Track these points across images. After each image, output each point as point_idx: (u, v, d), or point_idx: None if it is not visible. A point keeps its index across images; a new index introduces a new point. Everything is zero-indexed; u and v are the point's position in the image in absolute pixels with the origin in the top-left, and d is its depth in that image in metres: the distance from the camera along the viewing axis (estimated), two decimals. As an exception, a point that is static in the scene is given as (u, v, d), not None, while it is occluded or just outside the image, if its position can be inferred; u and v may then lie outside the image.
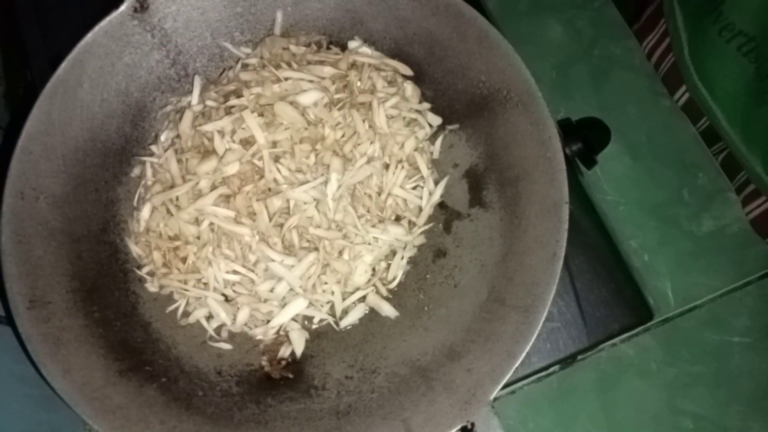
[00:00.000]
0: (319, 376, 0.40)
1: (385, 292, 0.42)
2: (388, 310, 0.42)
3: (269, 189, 0.40)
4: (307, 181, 0.40)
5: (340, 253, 0.41)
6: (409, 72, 0.44)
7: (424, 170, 0.43)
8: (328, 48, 0.45)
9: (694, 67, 0.56)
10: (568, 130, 0.52)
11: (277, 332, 0.42)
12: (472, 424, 0.39)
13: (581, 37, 0.63)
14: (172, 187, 0.41)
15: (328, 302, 0.42)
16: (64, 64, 0.39)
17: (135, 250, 0.42)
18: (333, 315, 0.42)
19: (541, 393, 0.52)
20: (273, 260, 0.39)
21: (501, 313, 0.38)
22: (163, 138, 0.43)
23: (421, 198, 0.43)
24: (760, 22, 0.49)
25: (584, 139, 0.52)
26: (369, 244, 0.42)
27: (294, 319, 0.41)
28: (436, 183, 0.44)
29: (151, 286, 0.41)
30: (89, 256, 0.40)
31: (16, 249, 0.37)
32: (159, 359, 0.39)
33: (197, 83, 0.44)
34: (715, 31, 0.52)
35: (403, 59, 0.45)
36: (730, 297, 0.55)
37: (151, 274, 0.41)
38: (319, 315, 0.42)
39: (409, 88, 0.44)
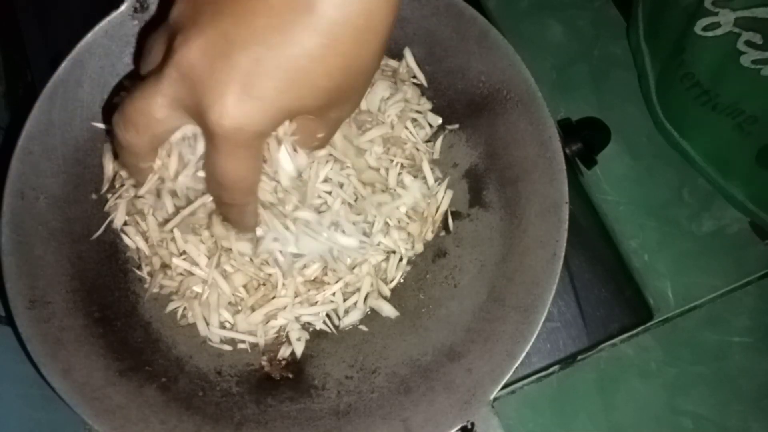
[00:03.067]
0: (319, 376, 0.40)
1: (385, 292, 0.42)
2: (388, 311, 0.42)
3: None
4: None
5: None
6: (424, 82, 0.44)
7: (429, 176, 0.43)
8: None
9: (660, 106, 0.56)
10: (568, 130, 0.52)
11: (278, 332, 0.42)
12: (472, 424, 0.39)
13: (581, 37, 0.63)
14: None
15: (330, 303, 0.42)
16: (64, 64, 0.39)
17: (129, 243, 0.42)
18: (335, 314, 0.42)
19: (541, 393, 0.52)
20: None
21: (501, 313, 0.38)
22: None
23: (424, 199, 0.43)
24: (715, 74, 0.49)
25: (584, 139, 0.52)
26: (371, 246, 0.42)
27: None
28: (437, 181, 0.44)
29: (152, 287, 0.41)
30: (89, 256, 0.40)
31: (16, 249, 0.37)
32: (159, 359, 0.39)
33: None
34: (678, 77, 0.52)
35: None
36: (730, 297, 0.55)
37: (151, 274, 0.41)
38: (318, 323, 0.42)
39: (409, 88, 0.44)
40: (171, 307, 0.41)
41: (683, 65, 0.51)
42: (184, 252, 0.40)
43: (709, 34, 0.48)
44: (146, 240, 0.41)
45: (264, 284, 0.40)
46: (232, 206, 0.33)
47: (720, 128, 0.51)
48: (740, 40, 0.46)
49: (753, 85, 0.47)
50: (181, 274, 0.40)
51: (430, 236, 0.43)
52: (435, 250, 0.43)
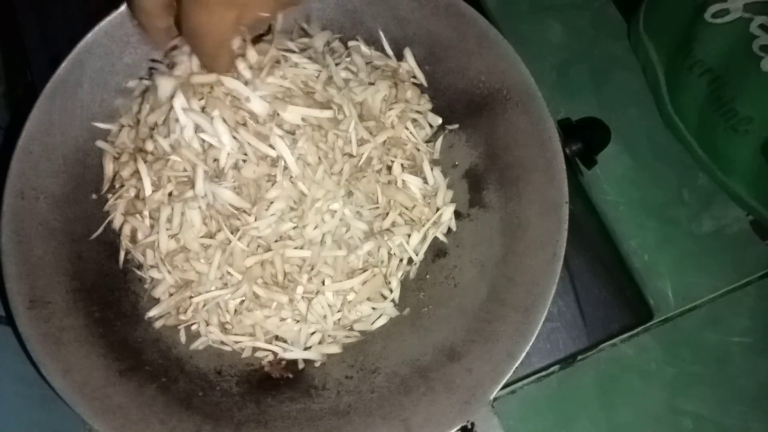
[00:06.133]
0: (319, 376, 0.40)
1: (386, 293, 0.42)
2: (388, 310, 0.42)
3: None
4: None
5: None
6: (423, 82, 0.44)
7: (429, 176, 0.43)
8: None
9: (669, 97, 0.56)
10: (568, 130, 0.52)
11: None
12: (472, 424, 0.39)
13: (581, 37, 0.63)
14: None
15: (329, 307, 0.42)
16: (64, 64, 0.39)
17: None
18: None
19: (541, 393, 0.52)
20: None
21: (501, 313, 0.38)
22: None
23: (424, 199, 0.43)
24: (724, 61, 0.50)
25: (584, 139, 0.52)
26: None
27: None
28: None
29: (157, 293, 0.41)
30: (89, 256, 0.40)
31: (16, 249, 0.37)
32: (159, 359, 0.39)
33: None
34: (687, 66, 0.52)
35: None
36: (730, 297, 0.55)
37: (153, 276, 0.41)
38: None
39: (409, 88, 0.44)
40: (170, 307, 0.41)
41: (692, 54, 0.52)
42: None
43: (719, 21, 0.49)
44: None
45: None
46: (206, 54, 0.37)
47: (722, 120, 0.51)
48: (753, 24, 0.47)
49: (758, 79, 0.47)
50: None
51: (430, 236, 0.43)
52: (435, 250, 0.43)
